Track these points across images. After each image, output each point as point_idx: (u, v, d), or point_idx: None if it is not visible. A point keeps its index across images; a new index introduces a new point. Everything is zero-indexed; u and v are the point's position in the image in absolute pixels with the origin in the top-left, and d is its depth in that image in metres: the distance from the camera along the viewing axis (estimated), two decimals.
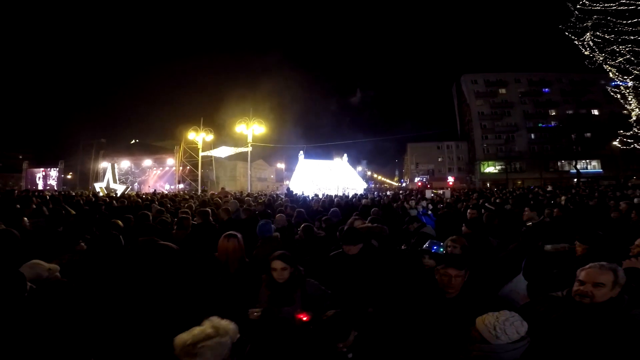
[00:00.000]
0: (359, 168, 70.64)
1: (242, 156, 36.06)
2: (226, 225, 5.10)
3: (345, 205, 9.14)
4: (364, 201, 10.92)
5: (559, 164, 51.34)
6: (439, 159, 59.17)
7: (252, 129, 26.45)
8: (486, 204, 7.41)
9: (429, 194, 16.95)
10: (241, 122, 26.45)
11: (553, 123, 52.14)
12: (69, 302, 2.18)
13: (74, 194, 15.55)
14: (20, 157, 59.55)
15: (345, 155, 25.39)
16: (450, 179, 54.51)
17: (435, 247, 3.12)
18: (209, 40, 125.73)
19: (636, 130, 22.62)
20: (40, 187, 37.97)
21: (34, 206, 6.71)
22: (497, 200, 12.63)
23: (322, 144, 32.44)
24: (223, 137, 34.05)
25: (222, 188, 17.71)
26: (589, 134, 48.98)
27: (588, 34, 20.70)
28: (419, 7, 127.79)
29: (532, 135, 52.87)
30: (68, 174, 48.76)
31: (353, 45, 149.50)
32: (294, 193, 13.65)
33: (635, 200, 9.93)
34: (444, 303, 2.10)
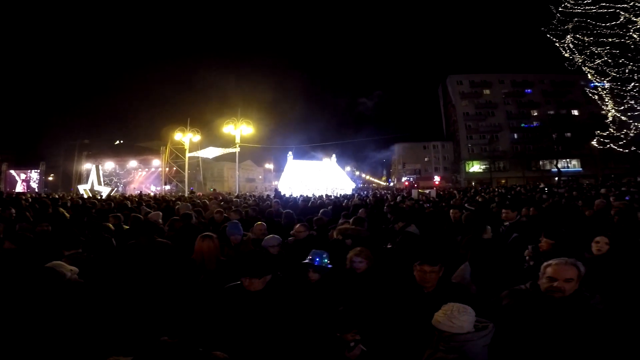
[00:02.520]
0: (347, 168, 71.13)
1: (229, 157, 35.76)
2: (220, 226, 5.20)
3: (315, 207, 9.34)
4: (353, 201, 11.16)
5: (540, 163, 52.71)
6: (426, 159, 60.12)
7: (240, 129, 26.35)
8: (466, 205, 7.67)
9: (415, 193, 17.28)
10: (229, 123, 26.32)
11: (535, 123, 53.55)
12: (89, 300, 2.36)
13: (57, 196, 15.26)
14: None
15: (334, 155, 25.65)
16: (437, 179, 55.40)
17: (317, 260, 2.74)
18: (196, 39, 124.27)
19: (612, 131, 23.49)
20: (20, 190, 36.93)
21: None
22: (479, 199, 13.06)
23: (311, 144, 32.56)
24: (210, 137, 33.76)
25: (214, 189, 17.67)
26: (569, 134, 50.50)
27: (569, 36, 21.38)
28: (407, 8, 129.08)
29: (515, 135, 54.16)
30: (50, 176, 47.53)
31: (341, 46, 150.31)
32: (282, 194, 13.75)
33: (611, 198, 10.43)
34: (423, 297, 2.26)
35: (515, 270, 2.86)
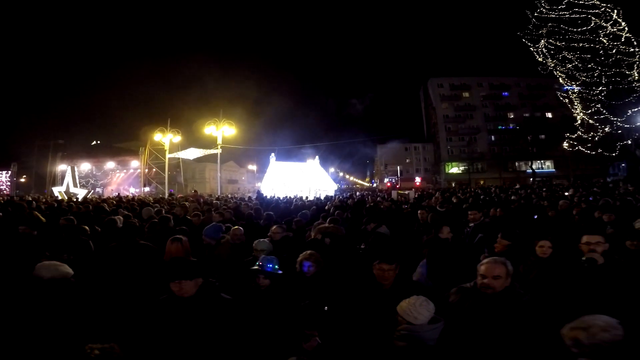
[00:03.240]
0: (332, 169, 71.47)
1: (212, 158, 35.39)
2: (199, 229, 5.29)
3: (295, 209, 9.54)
4: (334, 203, 11.40)
5: (516, 164, 54.42)
6: (407, 160, 61.15)
7: (222, 130, 26.16)
8: (437, 206, 7.94)
9: (395, 194, 17.64)
10: (210, 124, 26.09)
11: (511, 125, 55.29)
12: (84, 301, 2.47)
13: (30, 198, 14.79)
14: None
15: (317, 157, 25.84)
16: (418, 180, 56.47)
17: (269, 265, 2.74)
18: (177, 36, 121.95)
19: (580, 133, 24.62)
20: None
21: None
22: (454, 200, 13.50)
23: (294, 146, 32.68)
24: (192, 138, 33.31)
25: (195, 191, 17.53)
26: (543, 136, 52.47)
27: (542, 40, 22.30)
28: (390, 13, 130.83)
29: (493, 137, 55.80)
30: (22, 177, 45.70)
31: (325, 49, 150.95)
32: (264, 195, 13.78)
33: (575, 199, 11.00)
34: (382, 293, 2.45)
35: (473, 269, 3.07)
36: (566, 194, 15.83)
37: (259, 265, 2.78)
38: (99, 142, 44.58)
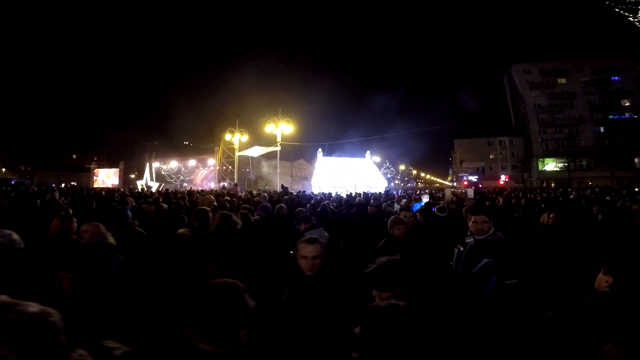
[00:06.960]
0: (402, 167, 68.33)
1: (282, 156, 36.86)
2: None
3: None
4: (357, 200, 10.61)
5: (636, 160, 44.77)
6: (490, 156, 54.61)
7: (280, 128, 27.02)
8: (435, 209, 6.49)
9: (448, 193, 15.77)
10: (270, 122, 27.17)
11: (627, 114, 45.65)
12: None
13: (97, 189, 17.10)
14: (96, 158, 67.61)
15: (368, 152, 24.70)
16: (503, 177, 50.34)
17: None
18: (241, 45, 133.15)
19: None
20: (106, 185, 42.57)
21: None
22: (513, 201, 11.23)
23: (350, 139, 32.09)
24: (258, 137, 35.16)
25: (235, 184, 18.37)
26: None
27: None
28: None
29: (601, 129, 46.74)
30: (132, 173, 54.28)
31: (394, 35, 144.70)
32: (288, 191, 13.55)
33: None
34: None
35: None
36: None
37: None
38: (186, 142, 49.87)
